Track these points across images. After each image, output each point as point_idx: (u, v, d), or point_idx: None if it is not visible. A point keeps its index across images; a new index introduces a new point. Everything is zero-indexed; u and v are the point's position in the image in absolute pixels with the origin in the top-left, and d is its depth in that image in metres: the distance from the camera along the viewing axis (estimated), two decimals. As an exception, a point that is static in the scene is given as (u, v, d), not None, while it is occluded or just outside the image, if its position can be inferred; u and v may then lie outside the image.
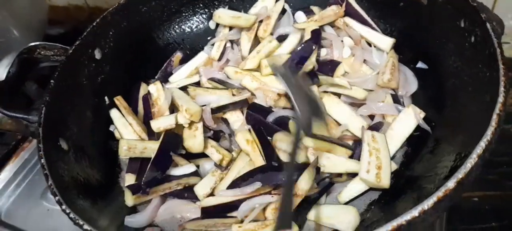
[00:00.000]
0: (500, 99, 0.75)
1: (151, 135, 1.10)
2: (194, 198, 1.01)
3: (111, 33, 1.22)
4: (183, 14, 1.39)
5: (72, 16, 2.02)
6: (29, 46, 1.11)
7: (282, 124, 1.05)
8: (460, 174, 0.66)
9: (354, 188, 0.94)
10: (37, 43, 1.13)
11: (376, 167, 0.92)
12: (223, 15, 1.35)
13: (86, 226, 0.74)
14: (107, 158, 1.12)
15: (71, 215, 0.76)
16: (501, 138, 1.72)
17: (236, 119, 1.14)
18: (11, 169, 1.37)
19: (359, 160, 0.96)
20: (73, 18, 2.04)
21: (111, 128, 1.16)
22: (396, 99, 1.07)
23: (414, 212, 0.63)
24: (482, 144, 0.69)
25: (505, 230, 1.39)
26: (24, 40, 1.46)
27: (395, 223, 0.64)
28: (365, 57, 1.16)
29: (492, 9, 1.81)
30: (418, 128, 1.00)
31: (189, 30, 1.41)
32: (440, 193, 0.64)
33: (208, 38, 1.39)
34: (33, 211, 1.29)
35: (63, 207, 0.78)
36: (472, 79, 0.92)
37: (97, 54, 1.17)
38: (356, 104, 1.11)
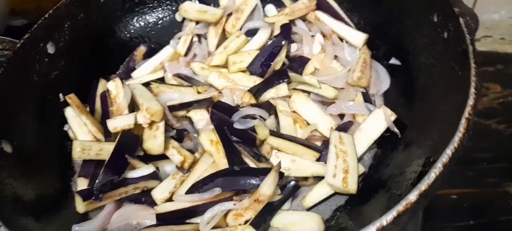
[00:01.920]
0: (470, 101, 0.70)
1: (109, 135, 1.03)
2: (152, 202, 0.95)
3: (66, 25, 1.13)
4: (147, 5, 1.32)
5: (38, 5, 1.91)
6: (-25, 39, 1.02)
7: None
8: (422, 186, 0.61)
9: (318, 193, 0.89)
10: (-16, 36, 1.04)
11: (343, 171, 0.87)
12: (189, 8, 1.28)
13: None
14: (61, 160, 1.04)
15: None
16: (482, 134, 1.69)
17: (201, 117, 1.07)
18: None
19: (326, 162, 0.91)
20: (39, 8, 1.93)
21: (66, 128, 1.09)
22: (367, 97, 1.02)
23: (371, 228, 0.58)
24: (448, 151, 0.64)
25: (483, 227, 1.36)
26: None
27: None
28: (337, 53, 1.11)
29: (475, 1, 1.79)
30: (389, 128, 0.95)
31: (153, 22, 1.33)
32: (400, 207, 0.59)
33: (175, 31, 1.32)
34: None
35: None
36: (444, 77, 0.87)
37: (50, 49, 1.09)
38: (326, 102, 1.06)
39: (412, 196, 0.60)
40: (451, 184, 1.48)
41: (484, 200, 1.42)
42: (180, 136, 1.06)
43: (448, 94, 0.83)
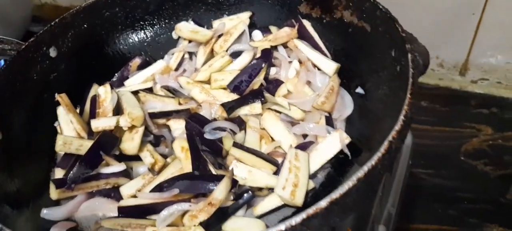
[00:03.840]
0: (397, 126, 0.76)
1: (92, 135, 1.13)
2: (120, 198, 1.03)
3: (70, 33, 1.26)
4: (147, 22, 1.43)
5: (58, 14, 2.08)
6: (-14, 40, 1.16)
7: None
8: (335, 195, 0.67)
9: (269, 203, 0.95)
10: (-5, 37, 1.18)
11: (292, 185, 0.94)
12: (183, 28, 1.39)
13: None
14: (50, 155, 1.15)
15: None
16: (468, 174, 1.71)
17: (178, 126, 1.16)
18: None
19: (280, 176, 0.98)
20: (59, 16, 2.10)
21: (56, 124, 1.20)
22: (330, 121, 1.09)
23: (281, 226, 0.64)
24: (365, 167, 0.70)
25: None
26: (4, 35, 1.52)
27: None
28: (309, 78, 1.19)
29: (471, 45, 1.83)
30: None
31: (151, 38, 1.44)
32: (310, 210, 0.65)
33: (170, 48, 1.43)
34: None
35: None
36: (394, 107, 0.92)
37: (52, 52, 1.22)
38: (296, 123, 1.13)
39: (324, 203, 0.66)
40: (429, 220, 1.50)
41: (461, 239, 1.43)
42: (157, 141, 1.15)
43: (394, 123, 0.88)
